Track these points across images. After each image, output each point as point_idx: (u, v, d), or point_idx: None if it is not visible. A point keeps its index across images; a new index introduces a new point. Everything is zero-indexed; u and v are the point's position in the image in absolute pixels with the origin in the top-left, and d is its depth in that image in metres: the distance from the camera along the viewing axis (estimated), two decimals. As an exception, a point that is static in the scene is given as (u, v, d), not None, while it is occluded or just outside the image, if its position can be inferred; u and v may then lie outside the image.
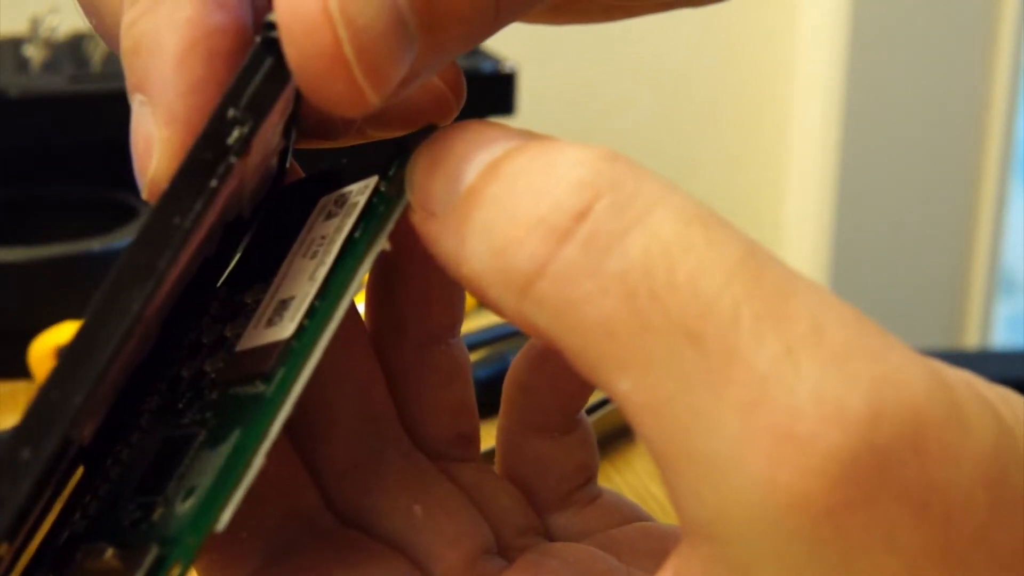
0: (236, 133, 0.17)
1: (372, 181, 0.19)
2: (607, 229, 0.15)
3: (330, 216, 0.20)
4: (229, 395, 0.19)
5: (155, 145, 0.18)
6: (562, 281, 0.15)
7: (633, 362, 0.15)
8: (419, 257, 0.19)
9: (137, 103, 0.18)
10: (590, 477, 0.24)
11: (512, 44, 0.60)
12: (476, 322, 0.51)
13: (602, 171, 0.16)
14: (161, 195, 0.17)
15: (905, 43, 1.25)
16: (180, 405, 0.20)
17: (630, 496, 0.26)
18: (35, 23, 0.64)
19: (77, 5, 0.21)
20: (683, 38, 1.24)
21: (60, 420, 0.16)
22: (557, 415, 0.23)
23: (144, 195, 0.18)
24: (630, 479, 0.42)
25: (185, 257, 0.17)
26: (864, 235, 1.30)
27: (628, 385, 0.15)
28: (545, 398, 0.23)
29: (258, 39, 0.17)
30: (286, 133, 0.21)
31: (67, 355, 0.16)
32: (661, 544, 0.23)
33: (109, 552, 0.18)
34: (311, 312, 0.18)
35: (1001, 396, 0.15)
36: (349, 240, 0.19)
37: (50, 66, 0.62)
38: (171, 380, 0.21)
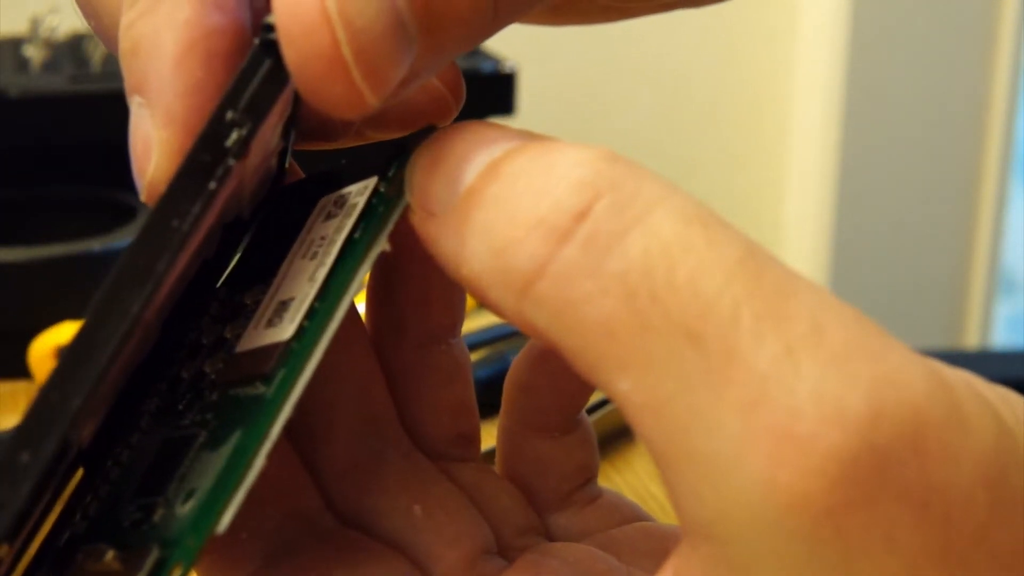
0: (234, 135, 0.17)
1: (372, 182, 0.19)
2: (607, 229, 0.15)
3: (330, 217, 0.20)
4: (229, 396, 0.19)
5: (154, 147, 0.18)
6: (562, 281, 0.15)
7: (633, 362, 0.15)
8: (419, 257, 0.19)
9: (136, 104, 0.18)
10: (590, 477, 0.24)
11: (512, 44, 0.60)
12: (476, 322, 0.51)
13: (602, 171, 0.16)
14: (159, 198, 0.17)
15: (905, 43, 1.25)
16: (180, 406, 0.20)
17: (630, 496, 0.26)
18: (35, 23, 0.64)
19: (76, 6, 0.21)
20: (683, 38, 1.24)
21: (59, 423, 0.16)
22: (557, 415, 0.23)
23: (142, 197, 0.18)
24: (630, 479, 0.42)
25: (184, 259, 0.17)
26: (864, 235, 1.30)
27: (628, 385, 0.15)
28: (545, 398, 0.23)
29: (256, 41, 0.17)
30: (285, 134, 0.21)
31: (66, 357, 0.16)
32: (661, 544, 0.23)
33: (110, 554, 0.18)
34: (311, 313, 0.18)
35: (1001, 396, 0.15)
36: (349, 241, 0.19)
37: (50, 66, 0.62)
38: (171, 381, 0.21)
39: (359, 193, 0.19)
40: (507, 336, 0.51)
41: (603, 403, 0.41)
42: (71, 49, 0.65)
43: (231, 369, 0.19)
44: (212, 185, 0.17)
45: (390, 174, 0.19)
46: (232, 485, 0.17)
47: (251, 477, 0.17)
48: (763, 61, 1.29)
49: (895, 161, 1.29)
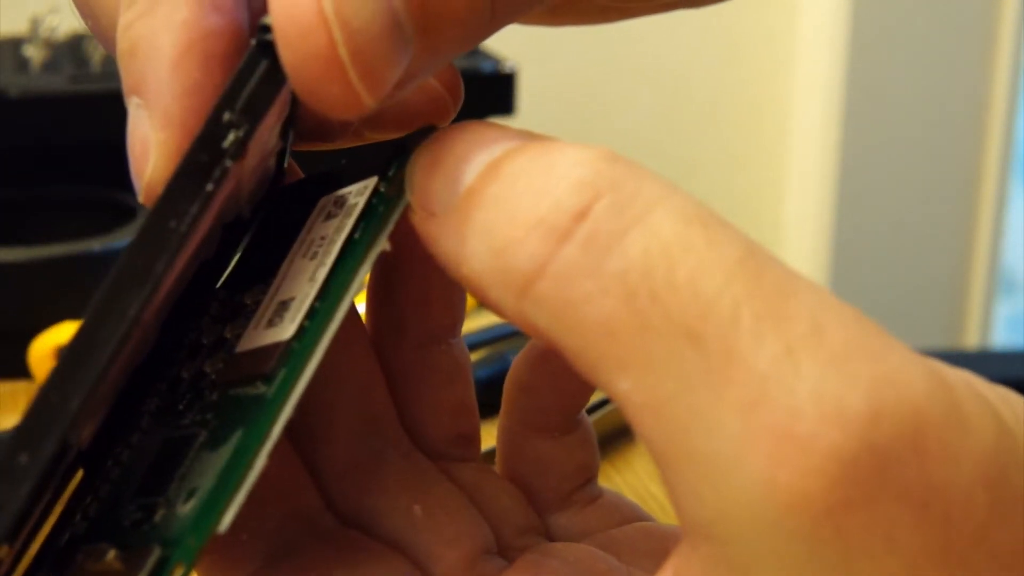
0: (232, 136, 0.17)
1: (371, 182, 0.19)
2: (607, 229, 0.15)
3: (330, 217, 0.20)
4: (230, 396, 0.19)
5: (151, 148, 0.18)
6: (562, 281, 0.15)
7: (633, 362, 0.15)
8: (419, 257, 0.19)
9: (133, 106, 0.18)
10: (591, 477, 0.24)
11: (512, 44, 0.60)
12: (476, 322, 0.51)
13: (602, 171, 0.16)
14: (157, 199, 0.17)
15: (905, 43, 1.25)
16: (180, 406, 0.20)
17: (630, 496, 0.26)
18: (35, 23, 0.64)
19: (72, 5, 0.21)
20: (683, 38, 1.24)
21: (58, 424, 0.16)
22: (558, 415, 0.23)
23: (141, 198, 0.18)
24: (630, 479, 0.42)
25: (182, 260, 0.17)
26: (864, 235, 1.30)
27: (628, 385, 0.15)
28: (546, 398, 0.23)
29: (253, 42, 0.17)
30: (283, 135, 0.21)
31: (65, 359, 0.16)
32: (661, 544, 0.23)
33: (111, 553, 0.18)
34: (311, 313, 0.18)
35: (1001, 396, 0.15)
36: (349, 241, 0.19)
37: (50, 66, 0.62)
38: (171, 381, 0.21)
39: (359, 193, 0.19)
40: (507, 336, 0.51)
41: (603, 403, 0.41)
42: (71, 49, 0.65)
43: (231, 369, 0.19)
44: (209, 186, 0.17)
45: (390, 174, 0.19)
46: (233, 485, 0.17)
47: (252, 477, 0.17)
48: (763, 61, 1.29)
49: (895, 161, 1.29)
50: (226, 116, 0.17)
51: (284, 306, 0.19)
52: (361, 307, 0.23)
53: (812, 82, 1.27)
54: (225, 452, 0.18)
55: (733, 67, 1.28)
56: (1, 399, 0.48)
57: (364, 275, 0.18)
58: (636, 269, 0.15)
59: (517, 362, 0.24)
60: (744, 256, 0.15)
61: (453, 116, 0.22)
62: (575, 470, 0.24)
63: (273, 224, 0.22)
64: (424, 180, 0.17)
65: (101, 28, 0.20)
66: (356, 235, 0.19)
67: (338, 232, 0.19)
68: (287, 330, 0.18)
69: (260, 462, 0.17)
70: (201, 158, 0.17)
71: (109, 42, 0.19)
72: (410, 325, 0.23)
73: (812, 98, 1.27)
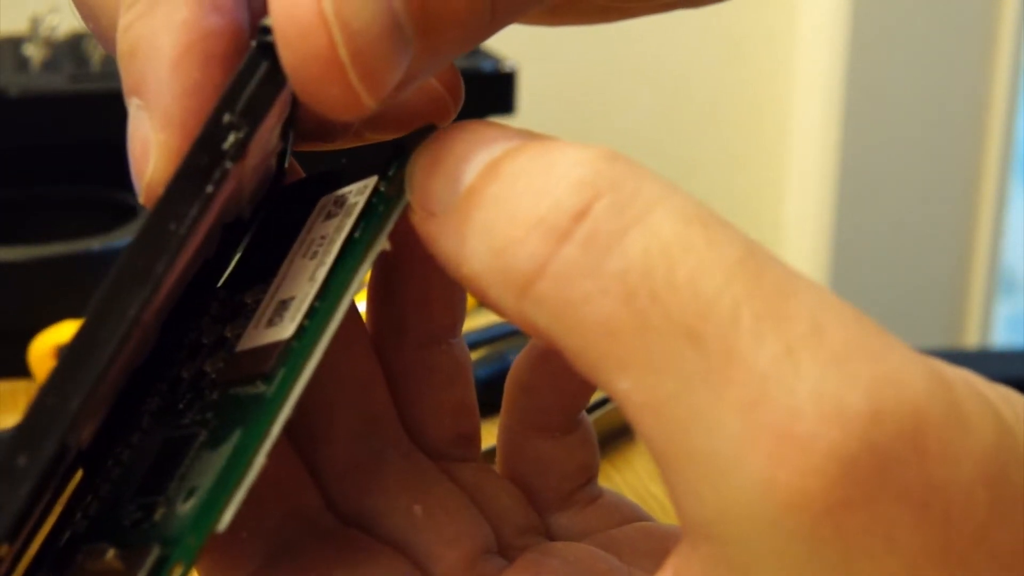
0: (232, 138, 0.17)
1: (372, 181, 0.19)
2: (607, 229, 0.15)
3: (330, 216, 0.20)
4: (229, 395, 0.19)
5: (151, 149, 0.18)
6: (562, 281, 0.15)
7: (633, 362, 0.15)
8: (420, 257, 0.19)
9: (134, 106, 0.18)
10: (591, 477, 0.24)
11: (512, 44, 0.60)
12: (476, 321, 0.51)
13: (602, 171, 0.16)
14: (157, 201, 0.17)
15: (905, 43, 1.25)
16: (181, 406, 0.20)
17: (630, 496, 0.26)
18: (35, 22, 0.64)
19: (72, 5, 0.21)
20: (683, 38, 1.24)
21: (57, 425, 0.16)
22: (558, 415, 0.23)
23: (141, 199, 0.18)
24: (630, 479, 0.42)
25: (182, 261, 0.17)
26: (864, 235, 1.30)
27: (628, 384, 0.15)
28: (546, 398, 0.23)
29: (254, 43, 0.17)
30: (284, 135, 0.21)
31: (65, 360, 0.16)
32: (662, 544, 0.23)
33: (110, 553, 0.18)
34: (311, 312, 0.18)
35: (1002, 395, 0.15)
36: (349, 240, 0.19)
37: (50, 66, 0.62)
38: (171, 381, 0.21)
39: (359, 193, 0.19)
40: (507, 335, 0.51)
41: (603, 402, 0.41)
42: (71, 48, 0.65)
43: (231, 368, 0.19)
44: (210, 188, 0.17)
45: (390, 173, 0.19)
46: (232, 484, 0.17)
47: (251, 476, 0.17)
48: (763, 61, 1.29)
49: (895, 161, 1.29)
50: (226, 118, 0.17)
51: (284, 305, 0.19)
52: (362, 306, 0.23)
53: (812, 82, 1.27)
54: (225, 451, 0.18)
55: (733, 67, 1.28)
56: (1, 399, 0.48)
57: (364, 274, 0.18)
58: (636, 269, 0.15)
59: (518, 362, 0.24)
60: (744, 256, 0.15)
61: (454, 116, 0.22)
62: (575, 470, 0.24)
63: (273, 224, 0.22)
64: (424, 180, 0.17)
65: (101, 29, 0.20)
66: (356, 234, 0.19)
67: (338, 231, 0.19)
68: (287, 329, 0.18)
69: (260, 461, 0.17)
70: (201, 160, 0.17)
71: (109, 43, 0.19)
72: (410, 325, 0.23)
73: (812, 98, 1.27)
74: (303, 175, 0.23)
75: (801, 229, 1.32)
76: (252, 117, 0.17)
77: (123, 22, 0.18)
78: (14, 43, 0.66)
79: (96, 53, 0.64)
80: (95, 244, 0.49)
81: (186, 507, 0.17)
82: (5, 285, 0.48)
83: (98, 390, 0.16)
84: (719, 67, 1.27)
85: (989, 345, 1.39)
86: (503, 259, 0.16)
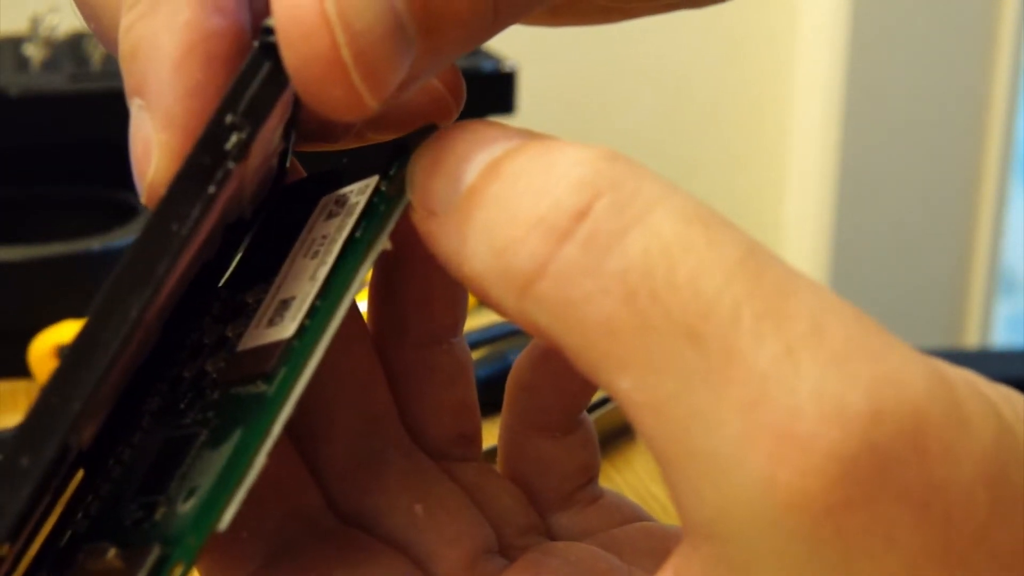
0: (234, 138, 0.17)
1: (373, 181, 0.19)
2: (607, 228, 0.15)
3: (331, 216, 0.20)
4: (230, 395, 0.19)
5: (153, 149, 0.18)
6: (562, 281, 0.15)
7: (634, 361, 0.15)
8: (421, 257, 0.19)
9: (135, 107, 0.18)
10: (592, 477, 0.24)
11: (512, 44, 0.60)
12: (476, 320, 0.51)
13: (602, 170, 0.16)
14: (159, 201, 0.17)
15: (905, 43, 1.25)
16: (182, 405, 0.20)
17: (630, 496, 0.26)
18: (35, 22, 0.64)
19: (74, 6, 0.21)
20: (683, 38, 1.24)
21: (59, 427, 0.16)
22: (559, 415, 0.23)
23: (143, 199, 0.18)
24: (630, 479, 0.42)
25: (184, 262, 0.17)
26: (864, 235, 1.30)
27: (629, 384, 0.15)
28: (548, 398, 0.23)
29: (256, 44, 0.17)
30: (286, 135, 0.21)
31: (66, 361, 0.16)
32: (662, 544, 0.23)
33: (111, 552, 0.18)
34: (312, 312, 0.18)
35: (1002, 395, 0.15)
36: (350, 240, 0.19)
37: (50, 65, 0.62)
38: (172, 380, 0.21)
39: (360, 192, 0.19)
40: (507, 335, 0.51)
41: (602, 402, 0.41)
42: (71, 48, 0.65)
43: (232, 368, 0.19)
44: (212, 189, 0.17)
45: (391, 173, 0.19)
46: (233, 483, 0.17)
47: (252, 475, 0.17)
48: (763, 61, 1.29)
49: (895, 161, 1.29)
50: (228, 118, 0.17)
51: (285, 305, 0.19)
52: (363, 306, 0.23)
53: (812, 82, 1.27)
54: (225, 451, 0.18)
55: (733, 67, 1.28)
56: (1, 398, 0.48)
57: (365, 274, 0.18)
58: (636, 268, 0.15)
59: (519, 362, 0.24)
60: (745, 255, 0.15)
61: (455, 116, 0.22)
62: (576, 470, 0.24)
63: (275, 223, 0.22)
64: (425, 179, 0.17)
65: (103, 29, 0.20)
66: (357, 234, 0.19)
67: (339, 231, 0.19)
68: (288, 329, 0.18)
69: (260, 461, 0.17)
70: (203, 160, 0.17)
71: (112, 43, 0.19)
72: (412, 324, 0.23)
73: (812, 98, 1.27)
74: (304, 175, 0.23)
75: (801, 229, 1.32)
76: (254, 118, 0.17)
77: (125, 23, 0.18)
78: (14, 43, 0.66)
79: (96, 53, 0.64)
80: (95, 244, 0.49)
81: (187, 507, 0.17)
82: (5, 285, 0.48)
83: (100, 391, 0.16)
84: (719, 67, 1.27)
85: (989, 345, 1.39)
86: (504, 259, 0.16)
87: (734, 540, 0.15)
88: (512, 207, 0.16)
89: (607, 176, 0.15)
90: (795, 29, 1.28)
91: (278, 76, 0.17)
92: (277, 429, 0.17)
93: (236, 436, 0.18)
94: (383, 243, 0.18)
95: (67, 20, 0.65)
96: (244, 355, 0.19)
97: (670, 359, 0.14)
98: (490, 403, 0.25)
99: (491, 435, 0.24)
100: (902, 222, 1.32)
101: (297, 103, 0.19)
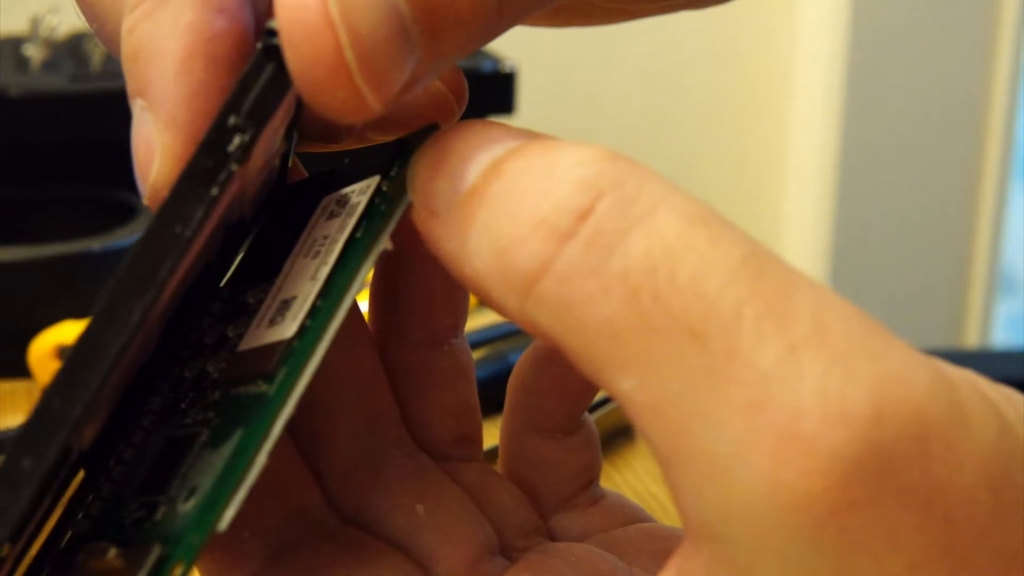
0: (237, 141, 0.17)
1: (374, 181, 0.19)
2: (609, 229, 0.15)
3: (332, 216, 0.20)
4: (231, 395, 0.19)
5: (156, 150, 0.18)
6: (564, 281, 0.15)
7: (636, 362, 0.15)
8: (422, 257, 0.19)
9: (138, 108, 0.18)
10: (593, 478, 0.24)
11: (512, 44, 0.60)
12: (476, 321, 0.51)
13: (604, 171, 0.16)
14: (162, 203, 0.17)
15: (905, 43, 1.25)
16: (183, 405, 0.20)
17: (631, 496, 0.26)
18: (35, 22, 0.64)
19: (77, 8, 0.21)
20: (683, 38, 1.24)
21: (61, 429, 0.16)
22: (561, 416, 0.23)
23: (145, 200, 0.18)
24: (630, 479, 0.42)
25: (186, 263, 0.17)
26: (864, 235, 1.30)
27: (631, 385, 0.15)
28: (549, 399, 0.23)
29: (259, 46, 0.17)
30: (288, 136, 0.21)
31: (68, 364, 0.16)
32: (664, 545, 0.23)
33: (111, 552, 0.18)
34: (313, 312, 0.18)
35: (1004, 395, 0.15)
36: (351, 240, 0.19)
37: (50, 66, 0.62)
38: (174, 380, 0.21)
39: (361, 192, 0.19)
40: (507, 335, 0.51)
41: (603, 403, 0.41)
42: (71, 48, 0.65)
43: (234, 368, 0.19)
44: (215, 191, 0.17)
45: (392, 173, 0.19)
46: (234, 483, 0.17)
47: (253, 475, 0.17)
48: (763, 60, 1.29)
49: (895, 161, 1.29)
50: (231, 120, 0.17)
51: (286, 305, 0.19)
52: (364, 306, 0.23)
53: (812, 82, 1.27)
54: (226, 451, 0.18)
55: (733, 67, 1.28)
56: (1, 398, 0.48)
57: (366, 274, 0.18)
58: (638, 269, 0.15)
59: (521, 363, 0.24)
60: (746, 255, 0.15)
61: (457, 117, 0.22)
62: (578, 471, 0.24)
63: (276, 223, 0.22)
64: (426, 179, 0.17)
65: (106, 31, 0.20)
66: (358, 234, 0.19)
67: (340, 231, 0.19)
68: (289, 329, 0.18)
69: (261, 461, 0.17)
70: (206, 163, 0.17)
71: (114, 44, 0.19)
72: (413, 325, 0.23)
73: (812, 98, 1.27)
74: (306, 175, 0.23)
75: (801, 229, 1.32)
76: (257, 120, 0.17)
77: (127, 24, 0.18)
78: (14, 43, 0.66)
79: (96, 53, 0.64)
80: (95, 244, 0.49)
81: (187, 506, 0.17)
82: (5, 285, 0.48)
83: (102, 394, 0.16)
84: (719, 67, 1.27)
85: (989, 345, 1.39)
86: (505, 259, 0.16)
87: (736, 541, 0.14)
88: (514, 207, 0.16)
89: (609, 176, 0.15)
90: (795, 29, 1.28)
91: (281, 78, 0.17)
92: (278, 429, 0.17)
93: (237, 436, 0.18)
94: (384, 243, 0.18)
95: (67, 20, 0.65)
96: (245, 355, 0.19)
97: (672, 359, 0.14)
98: (490, 403, 0.25)
99: (491, 435, 0.24)
100: (902, 222, 1.32)
101: (300, 104, 0.19)
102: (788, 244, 1.33)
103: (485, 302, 0.17)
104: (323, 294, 0.18)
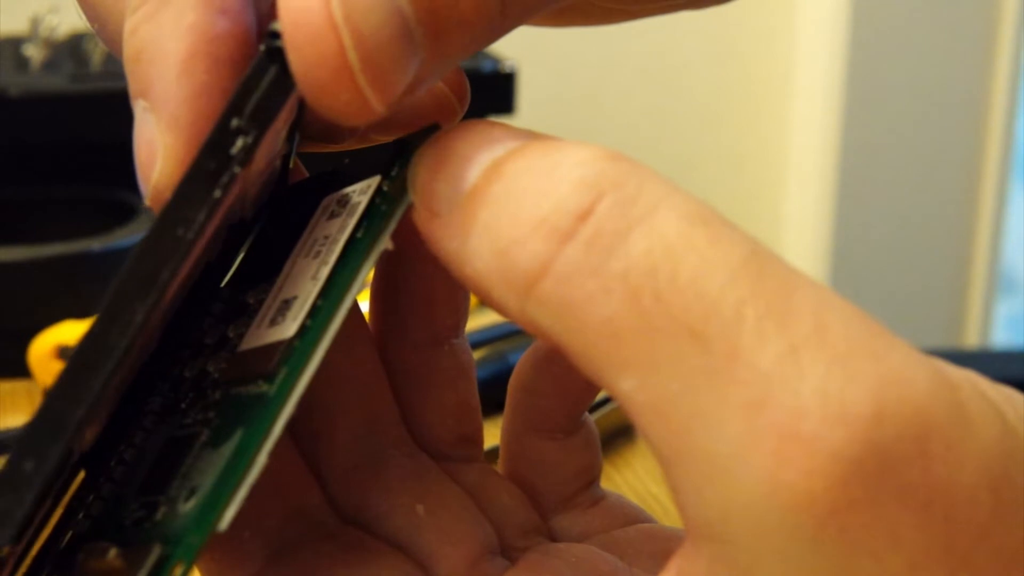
0: (240, 143, 0.17)
1: (375, 181, 0.19)
2: (610, 229, 0.15)
3: (333, 216, 0.20)
4: (232, 395, 0.19)
5: (159, 152, 0.18)
6: (565, 281, 0.15)
7: (636, 362, 0.15)
8: (423, 257, 0.19)
9: (140, 109, 0.18)
10: (594, 479, 0.24)
11: (512, 44, 0.60)
12: (476, 321, 0.51)
13: (605, 171, 0.16)
14: (165, 205, 0.17)
15: (905, 43, 1.25)
16: (183, 405, 0.20)
17: (630, 496, 0.26)
18: (35, 23, 0.64)
19: (79, 9, 0.21)
20: (683, 37, 1.24)
21: (63, 432, 0.16)
22: (561, 416, 0.23)
23: (147, 201, 0.18)
24: (630, 479, 0.42)
25: (188, 266, 0.17)
26: (864, 235, 1.30)
27: (631, 385, 0.15)
28: (550, 400, 0.23)
29: (262, 48, 0.17)
30: (290, 137, 0.21)
31: (71, 366, 0.16)
32: (664, 545, 0.23)
33: (112, 552, 0.18)
34: (314, 312, 0.18)
35: (1005, 396, 0.15)
36: (352, 240, 0.19)
37: (50, 66, 0.62)
38: (174, 380, 0.21)
39: (362, 192, 0.19)
40: (507, 335, 0.51)
41: (602, 403, 0.41)
42: (71, 48, 0.65)
43: (234, 368, 0.19)
44: (217, 193, 0.17)
45: (393, 173, 0.19)
46: (234, 483, 0.17)
47: (253, 475, 0.17)
48: (763, 60, 1.29)
49: (895, 161, 1.29)
50: (234, 122, 0.17)
51: (287, 305, 0.19)
52: (365, 306, 0.23)
53: (812, 82, 1.27)
54: (226, 450, 0.18)
55: (733, 67, 1.28)
56: (1, 399, 0.48)
57: (366, 274, 0.18)
58: (639, 269, 0.15)
59: (521, 364, 0.24)
60: (747, 256, 0.15)
61: (459, 117, 0.22)
62: (578, 471, 0.24)
63: (277, 223, 0.22)
64: (427, 180, 0.17)
65: (108, 32, 0.20)
66: (359, 234, 0.19)
67: (341, 231, 0.19)
68: (289, 328, 0.18)
69: (261, 460, 0.17)
70: (209, 165, 0.17)
71: (116, 45, 0.19)
72: (413, 325, 0.23)
73: (812, 98, 1.27)
74: (307, 175, 0.23)
75: (801, 229, 1.32)
76: (260, 122, 0.17)
77: (129, 25, 0.18)
78: (14, 43, 0.66)
79: (96, 53, 0.64)
80: (95, 244, 0.49)
81: (188, 506, 0.17)
82: (5, 285, 0.48)
83: (103, 396, 0.16)
84: (719, 66, 1.27)
85: (989, 345, 1.39)
86: (506, 259, 0.16)
87: (737, 541, 0.14)
88: (514, 207, 0.16)
89: (610, 176, 0.15)
90: (795, 29, 1.28)
91: (284, 80, 0.17)
92: (278, 429, 0.17)
93: (237, 436, 0.18)
94: (385, 243, 0.18)
95: (67, 20, 0.65)
96: (245, 355, 0.19)
97: (673, 359, 0.14)
98: (491, 403, 0.25)
99: (491, 435, 0.24)
100: (902, 222, 1.32)
101: (302, 106, 0.19)
102: (788, 244, 1.33)
103: (486, 302, 0.17)
104: (324, 294, 0.18)
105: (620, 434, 0.43)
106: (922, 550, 0.14)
